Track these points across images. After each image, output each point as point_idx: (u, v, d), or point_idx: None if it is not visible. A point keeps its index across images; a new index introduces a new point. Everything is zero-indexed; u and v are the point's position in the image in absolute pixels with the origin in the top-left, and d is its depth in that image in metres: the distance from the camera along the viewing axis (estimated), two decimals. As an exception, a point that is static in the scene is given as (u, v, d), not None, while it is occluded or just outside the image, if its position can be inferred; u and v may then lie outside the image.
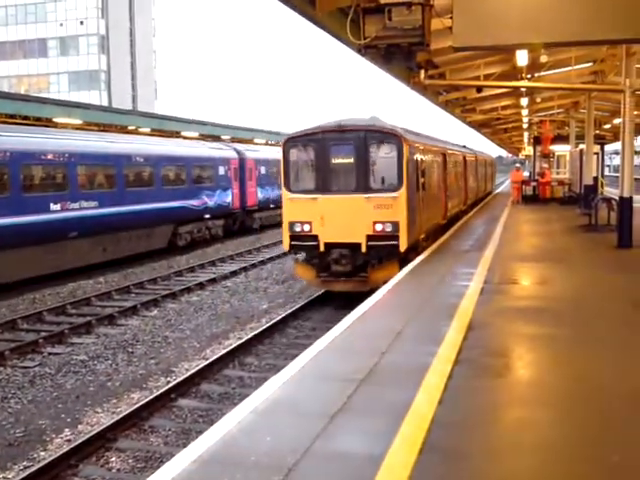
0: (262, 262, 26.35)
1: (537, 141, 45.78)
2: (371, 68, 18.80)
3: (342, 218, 17.18)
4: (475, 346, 8.64)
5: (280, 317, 16.29)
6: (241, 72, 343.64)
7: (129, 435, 9.81)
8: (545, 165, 43.78)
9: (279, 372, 7.97)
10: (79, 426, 10.26)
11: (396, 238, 16.99)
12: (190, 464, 5.40)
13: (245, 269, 24.72)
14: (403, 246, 17.06)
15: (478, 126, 49.67)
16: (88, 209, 23.68)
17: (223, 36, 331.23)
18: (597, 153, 34.86)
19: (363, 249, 17.13)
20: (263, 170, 39.72)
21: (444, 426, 6.05)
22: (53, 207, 21.96)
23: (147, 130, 35.07)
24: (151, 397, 10.92)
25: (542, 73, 25.36)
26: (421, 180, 19.60)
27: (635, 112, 20.49)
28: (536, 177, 43.08)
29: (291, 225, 17.70)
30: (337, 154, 17.52)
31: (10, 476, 8.54)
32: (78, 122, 29.04)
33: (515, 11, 10.11)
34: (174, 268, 25.13)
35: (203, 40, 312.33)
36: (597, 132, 38.31)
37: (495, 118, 42.50)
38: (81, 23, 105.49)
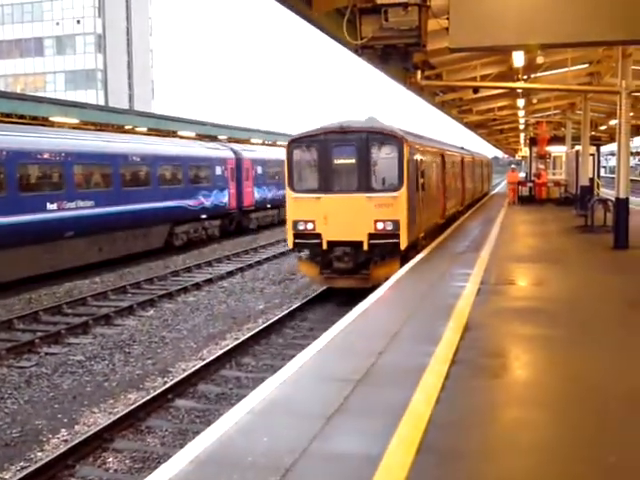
0: (259, 262, 26.35)
1: (533, 142, 45.83)
2: (368, 68, 18.85)
3: (344, 217, 17.61)
4: (472, 346, 8.65)
5: (277, 317, 16.29)
6: (238, 72, 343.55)
7: (126, 435, 9.81)
8: (541, 166, 43.83)
9: (276, 373, 7.98)
10: (76, 426, 10.26)
11: (397, 236, 17.44)
12: (187, 465, 5.40)
13: (242, 269, 24.72)
14: (403, 244, 17.51)
15: (474, 127, 49.72)
16: (84, 209, 23.66)
17: (220, 35, 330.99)
18: (593, 154, 34.88)
19: (365, 247, 17.55)
20: (260, 170, 39.72)
21: (441, 426, 6.06)
22: (49, 206, 21.94)
23: (144, 130, 35.05)
24: (148, 397, 10.92)
25: (538, 74, 25.39)
26: (421, 180, 20.05)
27: (631, 113, 20.53)
28: (532, 178, 43.15)
29: (295, 224, 18.12)
30: (339, 155, 17.93)
31: (7, 476, 8.53)
32: (75, 121, 29.02)
33: (511, 12, 10.14)
34: (170, 268, 25.11)
35: (200, 39, 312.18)
36: (593, 133, 38.38)
37: (491, 119, 42.53)
38: (78, 22, 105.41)
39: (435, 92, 29.72)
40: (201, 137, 39.99)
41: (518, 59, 19.76)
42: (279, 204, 41.89)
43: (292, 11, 13.70)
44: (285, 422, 6.34)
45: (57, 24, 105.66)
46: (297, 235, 18.15)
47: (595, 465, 5.40)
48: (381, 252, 17.75)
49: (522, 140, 61.70)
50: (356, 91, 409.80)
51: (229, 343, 14.49)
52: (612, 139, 44.59)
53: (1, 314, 17.63)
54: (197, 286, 21.37)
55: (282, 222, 42.05)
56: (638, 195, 47.11)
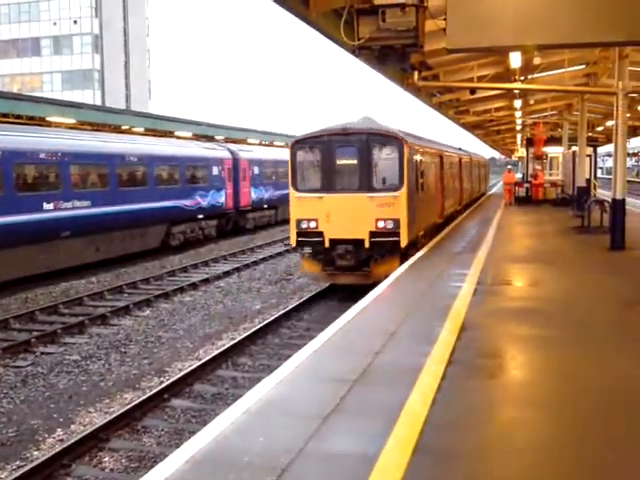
0: (255, 262, 26.34)
1: (530, 143, 45.88)
2: (365, 69, 18.95)
3: (346, 216, 18.01)
4: (468, 347, 8.66)
5: (273, 317, 16.29)
6: (235, 72, 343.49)
7: (122, 435, 9.80)
8: (538, 167, 43.87)
9: (272, 372, 7.98)
10: (72, 426, 10.25)
11: (397, 235, 17.86)
12: (183, 464, 5.39)
13: (238, 269, 24.70)
14: (404, 242, 17.92)
15: (471, 127, 49.75)
16: (81, 208, 23.64)
17: (217, 36, 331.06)
18: (590, 155, 34.96)
19: (366, 245, 17.93)
20: (257, 170, 39.72)
21: (437, 427, 6.06)
22: (46, 206, 21.92)
23: (141, 130, 35.02)
24: (144, 397, 10.91)
25: (535, 75, 25.41)
26: (420, 181, 20.48)
27: (628, 115, 20.55)
28: (529, 179, 43.18)
29: (298, 222, 18.52)
30: (342, 155, 18.38)
31: (3, 476, 8.52)
32: (71, 121, 28.99)
33: (508, 13, 10.14)
34: (167, 268, 25.10)
35: (197, 40, 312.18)
36: (590, 134, 38.39)
37: (488, 120, 42.57)
38: (75, 22, 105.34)
39: (432, 93, 29.75)
40: (198, 137, 39.97)
41: (515, 60, 19.78)
42: (276, 204, 41.99)
43: (289, 12, 13.70)
44: (281, 422, 6.34)
45: (54, 24, 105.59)
46: (300, 233, 18.52)
47: (591, 464, 5.41)
48: (382, 250, 18.11)
49: (519, 141, 61.80)
50: (353, 92, 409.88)
51: (225, 343, 14.48)
52: (609, 140, 44.60)
53: (-3, 314, 17.61)
54: (194, 286, 21.36)
55: (279, 222, 42.36)
56: (635, 196, 47.18)
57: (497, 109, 37.25)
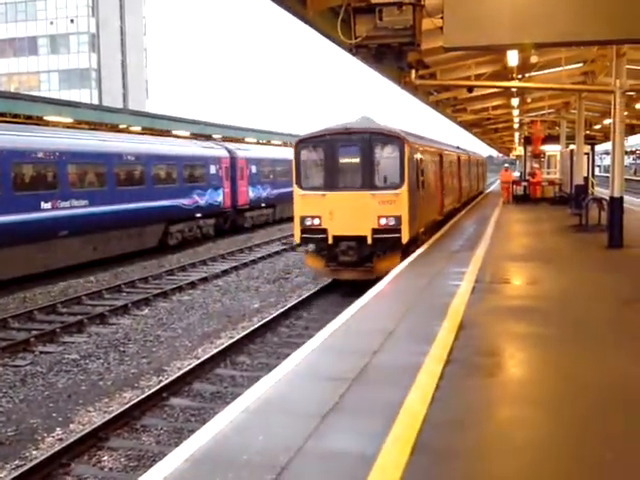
0: (253, 261, 26.34)
1: (528, 141, 45.87)
2: (362, 68, 19.07)
3: (349, 213, 18.59)
4: (466, 345, 8.67)
5: (272, 316, 16.30)
6: (232, 71, 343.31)
7: (121, 434, 9.81)
8: (536, 165, 43.87)
9: (271, 371, 7.99)
10: (71, 425, 10.26)
11: (399, 231, 18.42)
12: (182, 463, 5.40)
13: (236, 268, 24.71)
14: (405, 238, 18.46)
15: (469, 126, 49.74)
16: (79, 208, 23.65)
17: (214, 35, 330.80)
18: (587, 153, 34.96)
19: (369, 241, 18.49)
20: (254, 169, 39.72)
21: (436, 426, 6.07)
22: (44, 205, 21.92)
23: (138, 129, 35.01)
24: (143, 396, 10.92)
25: (533, 73, 25.40)
26: (421, 179, 20.94)
27: (625, 113, 20.56)
28: (527, 177, 43.18)
29: (302, 219, 19.08)
30: (344, 154, 18.95)
31: (2, 475, 8.53)
32: (69, 120, 28.98)
33: (506, 11, 10.15)
34: (165, 267, 25.10)
35: (194, 39, 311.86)
36: (587, 132, 38.39)
37: (486, 118, 42.58)
38: (71, 21, 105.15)
39: (429, 91, 29.74)
40: (195, 136, 39.96)
41: (512, 58, 19.78)
42: (274, 203, 42.01)
43: (287, 10, 13.71)
44: (280, 421, 6.34)
45: (51, 23, 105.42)
46: (304, 230, 19.08)
47: (589, 463, 5.42)
48: (384, 246, 18.61)
49: (516, 139, 61.76)
50: (350, 90, 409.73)
51: (224, 342, 14.49)
52: (607, 138, 44.66)
53: (-5, 313, 17.62)
54: (192, 285, 21.36)
55: (277, 221, 42.39)
56: (632, 194, 47.21)
57: (494, 107, 37.25)
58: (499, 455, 5.62)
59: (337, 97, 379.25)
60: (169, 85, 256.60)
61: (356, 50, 11.28)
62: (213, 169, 34.43)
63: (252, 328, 15.21)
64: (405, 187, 18.52)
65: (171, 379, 11.76)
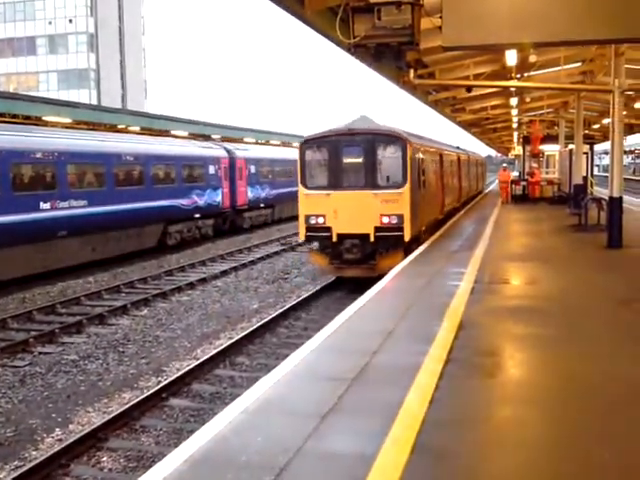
0: (252, 262, 26.32)
1: (526, 141, 45.89)
2: (361, 67, 19.20)
3: (353, 211, 19.08)
4: (466, 345, 8.67)
5: (271, 317, 16.29)
6: (231, 71, 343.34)
7: (120, 435, 9.81)
8: (534, 165, 43.87)
9: (270, 372, 7.99)
10: (70, 425, 10.25)
11: (401, 229, 18.90)
12: (181, 464, 5.40)
13: (235, 269, 24.70)
14: (407, 236, 18.96)
15: (468, 126, 49.72)
16: (77, 208, 23.63)
17: (212, 34, 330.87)
18: (586, 153, 34.96)
19: (372, 239, 19.02)
20: (253, 169, 39.70)
21: (435, 426, 6.07)
22: (42, 206, 21.91)
23: (137, 129, 34.99)
24: (142, 397, 10.92)
25: (531, 73, 25.40)
26: (422, 178, 21.39)
27: (624, 112, 20.56)
28: (526, 177, 43.19)
29: (307, 218, 19.62)
30: (348, 155, 19.50)
31: (1, 476, 8.53)
32: (67, 121, 28.96)
33: (504, 11, 10.15)
34: (164, 267, 25.09)
35: (192, 39, 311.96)
36: (586, 132, 38.43)
37: (484, 118, 42.55)
38: (70, 21, 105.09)
39: (428, 91, 29.72)
40: (194, 136, 39.94)
41: (511, 58, 19.78)
42: (273, 203, 42.01)
43: (285, 10, 13.68)
44: (279, 421, 6.34)
45: (49, 23, 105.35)
46: (309, 228, 19.59)
47: (587, 463, 5.42)
48: (386, 244, 19.08)
49: (515, 139, 61.77)
50: (349, 89, 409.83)
51: (223, 342, 14.48)
52: (605, 138, 44.68)
53: (-6, 314, 17.60)
54: (191, 285, 21.35)
55: (276, 221, 42.39)
56: (632, 194, 47.23)
57: (493, 107, 37.24)
58: (498, 455, 5.62)
59: (336, 96, 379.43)
60: (168, 85, 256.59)
61: (355, 49, 11.29)
62: (212, 169, 34.41)
63: (251, 329, 15.20)
64: (407, 186, 18.98)
65: (170, 380, 11.75)
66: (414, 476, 5.14)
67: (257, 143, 49.27)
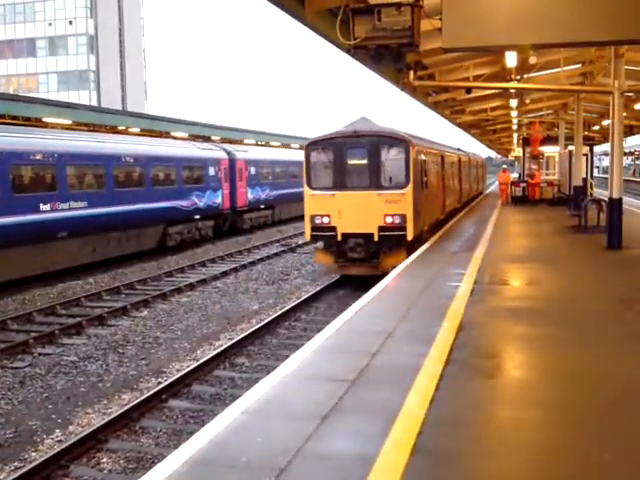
0: (252, 263, 26.32)
1: (526, 142, 45.90)
2: (361, 68, 19.34)
3: (357, 211, 19.57)
4: (466, 346, 8.67)
5: (271, 318, 16.28)
6: (231, 72, 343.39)
7: (120, 436, 9.80)
8: (534, 166, 43.87)
9: (270, 373, 7.99)
10: (70, 427, 10.25)
11: (404, 229, 19.36)
12: (181, 465, 5.39)
13: (235, 270, 24.69)
14: (410, 236, 19.42)
15: (468, 127, 49.74)
16: (77, 209, 23.62)
17: (212, 36, 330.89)
18: (586, 154, 34.96)
19: (375, 238, 19.49)
20: (253, 171, 39.70)
21: (435, 427, 6.06)
22: (43, 207, 21.90)
23: (137, 130, 34.99)
24: (142, 398, 10.90)
25: (531, 74, 25.41)
26: (424, 179, 21.83)
27: (624, 114, 20.57)
28: (525, 178, 43.18)
29: (312, 218, 20.12)
30: (352, 156, 20.02)
31: (1, 477, 8.52)
32: (67, 122, 28.96)
33: (504, 12, 10.16)
34: (164, 269, 25.08)
35: (192, 40, 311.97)
36: (586, 133, 38.42)
37: (484, 119, 42.53)
38: (70, 23, 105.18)
39: (428, 92, 29.74)
40: (194, 138, 39.95)
41: (511, 59, 19.78)
42: (273, 204, 42.02)
43: (285, 11, 13.69)
44: (279, 422, 6.34)
45: (49, 25, 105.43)
46: (314, 228, 20.09)
47: (588, 464, 5.41)
48: (390, 243, 19.53)
49: (515, 140, 61.78)
50: (349, 91, 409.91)
51: (223, 343, 14.47)
52: (605, 139, 44.70)
53: (-6, 315, 17.59)
54: (191, 287, 21.35)
55: (276, 223, 42.39)
56: (632, 195, 47.22)
57: (493, 108, 37.24)
58: (498, 457, 5.61)
59: (336, 98, 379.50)
60: (168, 86, 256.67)
61: (355, 51, 11.27)
62: (212, 171, 34.40)
63: (251, 330, 15.20)
64: (410, 187, 19.41)
65: (170, 381, 11.74)
66: (414, 477, 5.13)
67: (257, 144, 49.29)
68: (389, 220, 19.34)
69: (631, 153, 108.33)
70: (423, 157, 21.86)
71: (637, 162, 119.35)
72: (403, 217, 19.31)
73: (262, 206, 40.98)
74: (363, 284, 18.18)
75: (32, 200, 21.54)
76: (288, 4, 13.35)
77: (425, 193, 21.97)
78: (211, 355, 13.26)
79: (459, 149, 41.30)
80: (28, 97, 35.38)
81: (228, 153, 37.05)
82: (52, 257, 22.39)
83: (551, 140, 41.68)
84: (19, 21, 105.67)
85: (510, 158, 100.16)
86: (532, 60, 21.25)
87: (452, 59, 21.93)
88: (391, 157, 19.71)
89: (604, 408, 6.56)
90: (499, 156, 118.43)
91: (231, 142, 43.31)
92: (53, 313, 17.98)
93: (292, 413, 6.59)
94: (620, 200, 18.40)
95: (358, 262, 19.78)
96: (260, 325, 15.59)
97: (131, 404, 10.67)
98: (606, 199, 20.05)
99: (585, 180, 32.06)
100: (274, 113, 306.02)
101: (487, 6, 10.23)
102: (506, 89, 26.81)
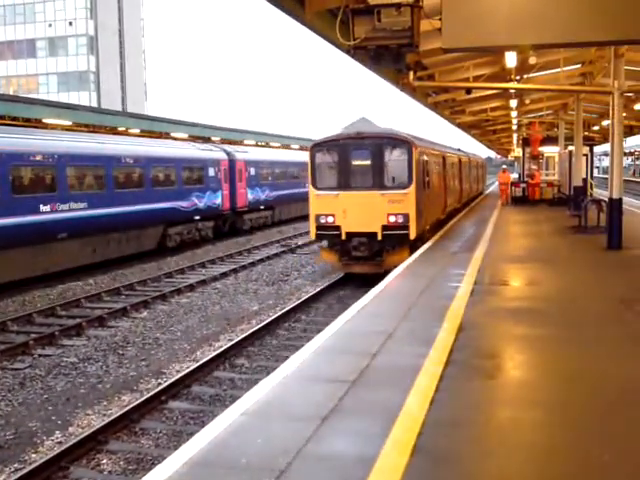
0: (252, 264, 26.30)
1: (526, 142, 45.89)
2: (361, 69, 19.43)
3: (361, 211, 19.98)
4: (466, 347, 8.66)
5: (271, 319, 16.28)
6: (231, 73, 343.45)
7: (120, 437, 9.79)
8: (534, 167, 43.86)
9: (270, 374, 7.98)
10: (70, 428, 10.24)
11: (407, 228, 19.79)
12: (181, 466, 5.39)
13: (235, 271, 24.68)
14: (412, 235, 19.82)
15: (467, 127, 49.75)
16: (77, 210, 23.61)
17: (212, 36, 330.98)
18: (586, 155, 34.96)
19: (379, 237, 19.90)
20: (253, 171, 39.69)
21: (436, 428, 6.06)
22: (43, 208, 21.89)
23: (137, 131, 34.99)
24: (142, 399, 10.90)
25: (531, 75, 25.42)
26: (426, 179, 22.22)
27: (624, 114, 20.56)
28: (525, 179, 43.18)
29: (317, 217, 20.49)
30: (356, 157, 20.41)
31: (1, 478, 8.52)
32: (67, 123, 28.95)
33: (504, 13, 10.16)
34: (164, 270, 25.07)
35: (192, 40, 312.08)
36: (586, 134, 38.42)
37: (484, 119, 42.54)
38: (70, 24, 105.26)
39: (428, 93, 29.75)
40: (194, 138, 39.95)
41: (510, 60, 19.79)
42: (272, 205, 42.02)
43: (284, 12, 13.69)
44: (279, 424, 6.33)
45: (49, 26, 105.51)
46: (319, 227, 20.48)
47: (589, 464, 5.41)
48: (393, 242, 19.97)
49: (515, 141, 61.79)
50: (349, 91, 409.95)
51: (223, 344, 14.46)
52: (605, 139, 44.69)
53: (-6, 316, 17.59)
54: (191, 287, 21.34)
55: (275, 223, 42.39)
56: (631, 195, 47.22)
57: (493, 109, 37.24)
58: (499, 457, 5.61)
59: (335, 98, 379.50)
60: (168, 87, 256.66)
61: (354, 51, 11.27)
62: (212, 171, 34.39)
63: (251, 331, 15.19)
64: (413, 187, 19.84)
65: (170, 382, 11.74)
66: (414, 478, 5.13)
67: (257, 145, 49.30)
68: (392, 219, 19.72)
69: (631, 153, 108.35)
70: (425, 158, 22.19)
71: (637, 162, 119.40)
72: (406, 216, 19.69)
73: (262, 207, 40.97)
74: (364, 284, 18.36)
75: (32, 201, 21.53)
76: (288, 5, 13.36)
77: (427, 193, 22.32)
78: (211, 356, 13.25)
79: (459, 150, 41.37)
80: (28, 98, 35.33)
81: (228, 154, 37.05)
82: (52, 258, 22.39)
83: (551, 140, 41.68)
84: (19, 22, 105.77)
85: (510, 158, 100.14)
86: (532, 60, 21.27)
87: (452, 59, 21.94)
88: (394, 158, 20.06)
89: (604, 408, 6.56)
90: (499, 156, 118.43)
91: (231, 143, 43.29)
92: (53, 314, 17.97)
93: (292, 414, 6.59)
94: (620, 200, 18.39)
95: (362, 260, 20.16)
96: (260, 326, 15.58)
97: (131, 405, 10.66)
98: (606, 199, 20.05)
99: (585, 180, 32.06)
100: (274, 114, 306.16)
101: (487, 6, 10.24)
102: (506, 89, 26.83)
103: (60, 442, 9.66)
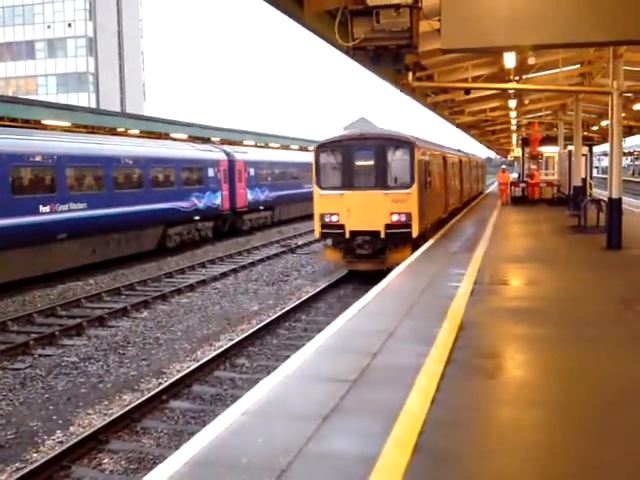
0: (252, 264, 26.32)
1: (525, 143, 45.89)
2: (360, 69, 19.49)
3: (364, 210, 20.37)
4: (466, 347, 8.67)
5: (271, 318, 16.29)
6: (230, 73, 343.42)
7: (121, 437, 9.81)
8: (534, 167, 43.87)
9: (271, 373, 8.00)
10: (71, 428, 10.25)
11: (409, 226, 20.23)
12: (182, 466, 5.40)
13: (235, 271, 24.69)
14: (415, 233, 20.29)
15: (467, 128, 49.76)
16: (77, 211, 23.62)
17: (211, 37, 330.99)
18: (585, 155, 34.97)
19: (382, 235, 20.30)
20: (252, 172, 39.70)
21: (437, 427, 6.07)
22: (42, 209, 21.91)
23: (136, 132, 34.98)
24: (143, 399, 10.92)
25: (530, 75, 25.43)
26: (428, 179, 22.70)
27: (623, 114, 20.58)
28: (525, 178, 43.20)
29: (321, 216, 20.95)
30: (360, 157, 20.87)
31: (2, 478, 8.53)
32: (66, 124, 28.95)
33: (503, 13, 10.17)
34: (164, 270, 25.08)
35: (191, 41, 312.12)
36: (585, 134, 38.43)
37: (483, 120, 42.53)
38: (69, 25, 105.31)
39: (427, 93, 29.77)
40: (193, 139, 39.93)
41: (509, 60, 19.82)
42: (272, 205, 42.04)
43: (283, 13, 13.71)
44: (280, 423, 6.34)
45: (48, 27, 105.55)
46: (323, 226, 20.93)
47: (589, 464, 5.43)
48: (396, 240, 20.37)
49: (514, 141, 61.80)
50: (348, 92, 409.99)
51: (223, 344, 14.48)
52: (604, 139, 44.71)
53: (-6, 317, 17.60)
54: (191, 287, 21.35)
55: (275, 223, 42.41)
56: (631, 195, 47.24)
57: (492, 109, 37.25)
58: (499, 456, 5.62)
59: (335, 99, 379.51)
60: (167, 88, 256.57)
61: (353, 52, 11.29)
62: (211, 172, 34.40)
63: (251, 330, 15.21)
64: (415, 187, 20.31)
65: (171, 381, 11.76)
66: (415, 477, 5.14)
67: (256, 146, 49.28)
68: (395, 218, 20.12)
69: (630, 153, 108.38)
70: (427, 158, 22.63)
71: (636, 162, 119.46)
72: (408, 215, 20.10)
73: (261, 207, 40.98)
74: (364, 283, 18.64)
75: (32, 202, 21.54)
76: (287, 6, 13.37)
77: (429, 192, 22.77)
78: (211, 356, 13.27)
79: (459, 150, 41.50)
80: (27, 99, 35.29)
81: (227, 154, 37.06)
82: (52, 258, 22.40)
83: (550, 140, 41.68)
84: (18, 23, 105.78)
85: (509, 158, 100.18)
86: (531, 61, 21.31)
87: (451, 60, 21.96)
88: (397, 158, 20.51)
89: (604, 408, 6.57)
90: (498, 156, 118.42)
91: (230, 143, 43.27)
92: (53, 314, 17.98)
93: (293, 413, 6.60)
94: (619, 200, 18.41)
95: (365, 258, 20.56)
96: (260, 326, 15.60)
97: (132, 405, 10.68)
98: (605, 199, 20.07)
99: (584, 180, 32.06)
100: (273, 114, 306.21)
101: (486, 7, 10.24)
102: (505, 90, 26.86)
103: (61, 441, 9.68)
